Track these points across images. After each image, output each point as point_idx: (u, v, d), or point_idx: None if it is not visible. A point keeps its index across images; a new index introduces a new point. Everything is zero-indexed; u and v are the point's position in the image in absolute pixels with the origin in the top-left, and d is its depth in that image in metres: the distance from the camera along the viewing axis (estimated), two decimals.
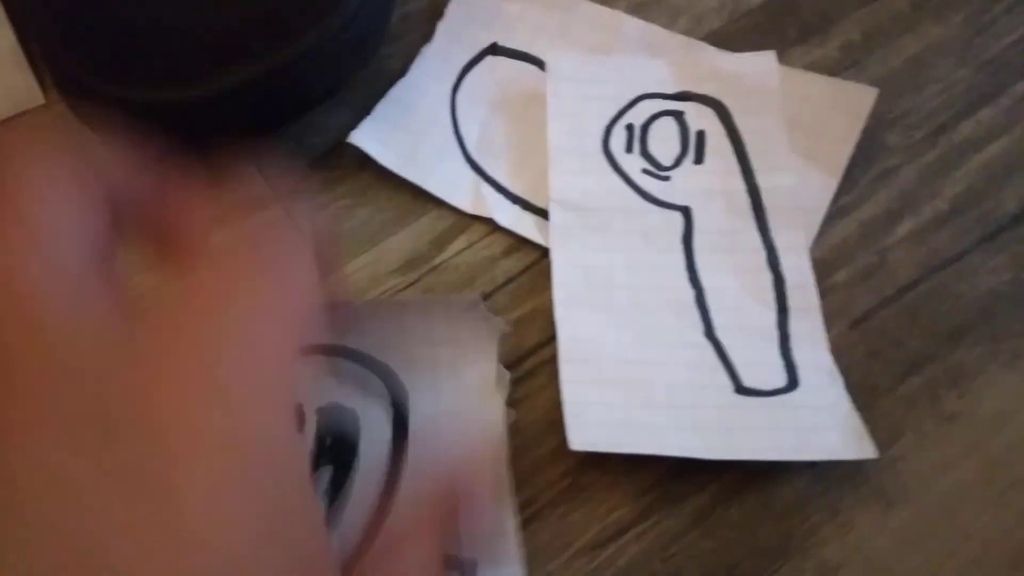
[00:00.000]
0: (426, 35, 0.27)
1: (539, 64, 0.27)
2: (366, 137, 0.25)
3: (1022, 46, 0.27)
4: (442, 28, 0.27)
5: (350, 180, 0.25)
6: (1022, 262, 0.24)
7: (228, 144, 0.17)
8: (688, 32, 0.27)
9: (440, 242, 0.24)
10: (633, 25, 0.27)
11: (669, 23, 0.27)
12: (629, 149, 0.25)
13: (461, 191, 0.25)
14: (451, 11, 0.28)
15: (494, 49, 0.27)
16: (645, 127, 0.26)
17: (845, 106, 0.26)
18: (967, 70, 0.27)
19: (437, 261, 0.24)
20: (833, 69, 0.27)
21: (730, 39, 0.27)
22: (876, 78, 0.27)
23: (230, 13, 0.23)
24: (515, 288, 0.24)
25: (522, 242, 0.24)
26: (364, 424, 0.22)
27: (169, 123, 0.20)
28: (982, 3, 0.28)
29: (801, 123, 0.25)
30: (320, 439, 0.21)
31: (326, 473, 0.21)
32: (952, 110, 0.26)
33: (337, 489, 0.21)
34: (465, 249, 0.24)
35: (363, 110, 0.26)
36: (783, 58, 0.27)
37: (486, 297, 0.24)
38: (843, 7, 0.28)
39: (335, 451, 0.21)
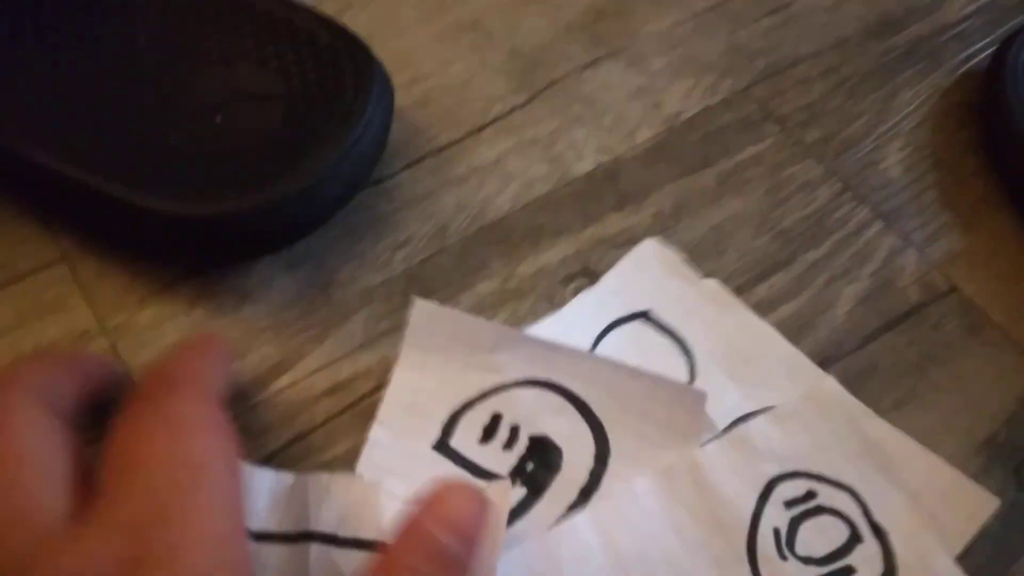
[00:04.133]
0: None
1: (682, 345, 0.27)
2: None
3: (812, 220, 0.31)
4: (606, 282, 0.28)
5: (181, 316, 0.26)
6: None
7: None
8: (516, 196, 0.30)
9: (264, 380, 0.25)
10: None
11: (502, 187, 0.30)
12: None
13: None
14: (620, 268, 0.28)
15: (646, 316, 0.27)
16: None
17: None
18: (763, 239, 0.30)
19: (258, 399, 0.25)
20: (646, 234, 0.30)
21: (556, 204, 0.30)
22: (683, 243, 0.30)
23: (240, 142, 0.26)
24: (332, 427, 0.25)
25: (343, 384, 0.26)
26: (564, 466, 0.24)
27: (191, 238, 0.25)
28: (778, 181, 0.32)
29: None
30: (522, 461, 0.24)
31: (519, 492, 0.24)
32: (749, 274, 0.30)
33: (521, 510, 0.23)
34: (288, 387, 0.25)
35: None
36: (602, 221, 0.30)
37: (304, 436, 0.25)
38: (657, 181, 0.31)
39: (532, 477, 0.24)
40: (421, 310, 0.25)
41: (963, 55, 0.38)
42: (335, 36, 0.28)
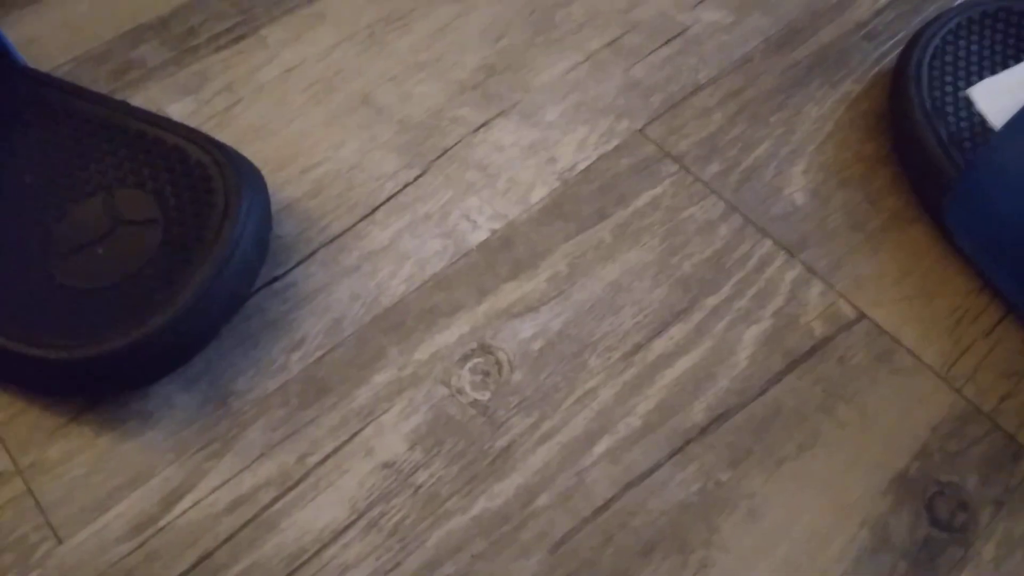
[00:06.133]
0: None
1: None
2: None
3: (712, 262, 0.31)
4: None
5: (88, 449, 0.27)
6: (708, 471, 0.27)
7: None
8: (411, 277, 0.30)
9: (167, 503, 0.26)
10: None
11: (396, 269, 0.31)
12: None
13: None
14: None
15: None
16: None
17: None
18: (661, 290, 0.30)
19: (163, 523, 0.26)
20: (540, 300, 0.30)
21: (451, 281, 0.30)
22: (578, 304, 0.30)
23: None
24: (236, 543, 0.26)
25: (245, 497, 0.26)
26: None
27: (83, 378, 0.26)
28: (677, 224, 0.32)
29: None
30: None
31: None
32: (646, 329, 0.29)
33: None
34: (191, 508, 0.26)
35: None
36: (496, 293, 0.30)
37: (208, 555, 0.25)
38: (553, 241, 0.31)
39: None
40: None
41: (874, 55, 0.37)
42: (204, 150, 0.28)
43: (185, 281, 0.26)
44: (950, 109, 0.33)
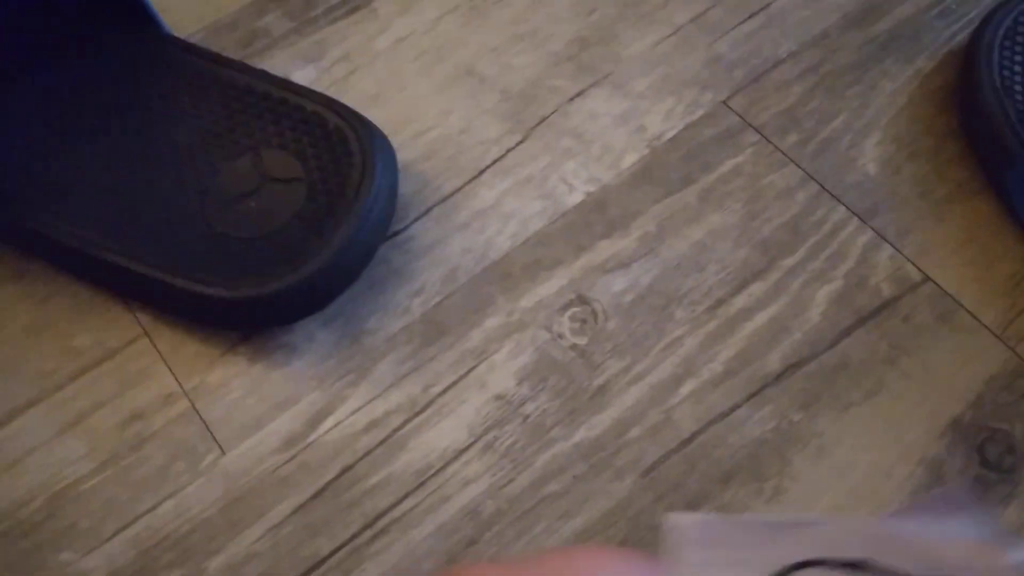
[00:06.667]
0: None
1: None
2: None
3: (789, 226, 0.34)
4: None
5: (243, 376, 0.31)
6: (783, 412, 0.30)
7: None
8: (515, 235, 0.34)
9: (313, 422, 0.30)
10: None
11: (501, 227, 0.34)
12: None
13: None
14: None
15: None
16: None
17: None
18: (742, 251, 0.33)
19: (311, 439, 0.30)
20: (632, 258, 0.33)
21: (551, 239, 0.34)
22: (667, 261, 0.33)
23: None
24: (372, 458, 0.30)
25: (378, 420, 0.31)
26: None
27: (244, 315, 0.30)
28: (757, 191, 0.34)
29: None
30: None
31: None
32: (729, 286, 0.33)
33: None
34: (333, 428, 0.30)
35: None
36: (593, 250, 0.33)
37: (350, 468, 0.30)
38: (643, 204, 0.34)
39: None
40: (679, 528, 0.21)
41: (947, 33, 0.39)
42: (340, 116, 0.32)
43: (331, 233, 0.30)
44: (1019, 88, 0.35)
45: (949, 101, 0.37)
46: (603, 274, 0.33)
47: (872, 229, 0.34)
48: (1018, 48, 0.36)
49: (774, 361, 0.31)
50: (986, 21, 0.36)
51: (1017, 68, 0.35)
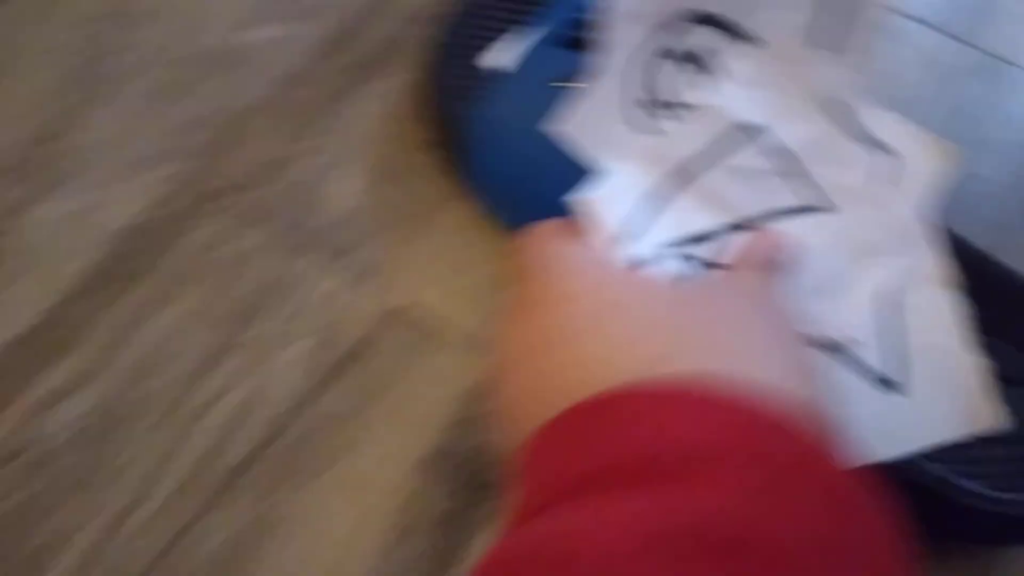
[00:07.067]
0: None
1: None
2: None
3: (257, 292, 0.31)
4: None
5: None
6: (252, 504, 0.27)
7: None
8: None
9: None
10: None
11: None
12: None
13: None
14: None
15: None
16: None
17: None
18: (207, 333, 0.30)
19: None
20: (88, 380, 0.29)
21: None
22: (120, 373, 0.29)
23: None
24: None
25: None
26: None
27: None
28: (224, 264, 0.31)
29: None
30: None
31: None
32: (191, 381, 0.29)
33: None
34: None
35: None
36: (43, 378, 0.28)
37: None
38: (93, 316, 0.31)
39: None
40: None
41: (423, 40, 0.37)
42: None
43: None
44: (469, 81, 0.33)
45: (425, 111, 0.35)
46: (47, 410, 0.29)
47: (347, 269, 0.31)
48: (466, 41, 0.35)
49: (241, 450, 0.28)
50: (439, 19, 0.35)
51: (463, 61, 0.34)
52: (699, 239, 0.27)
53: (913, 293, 0.27)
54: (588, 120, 0.26)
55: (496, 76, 0.31)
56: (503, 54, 0.33)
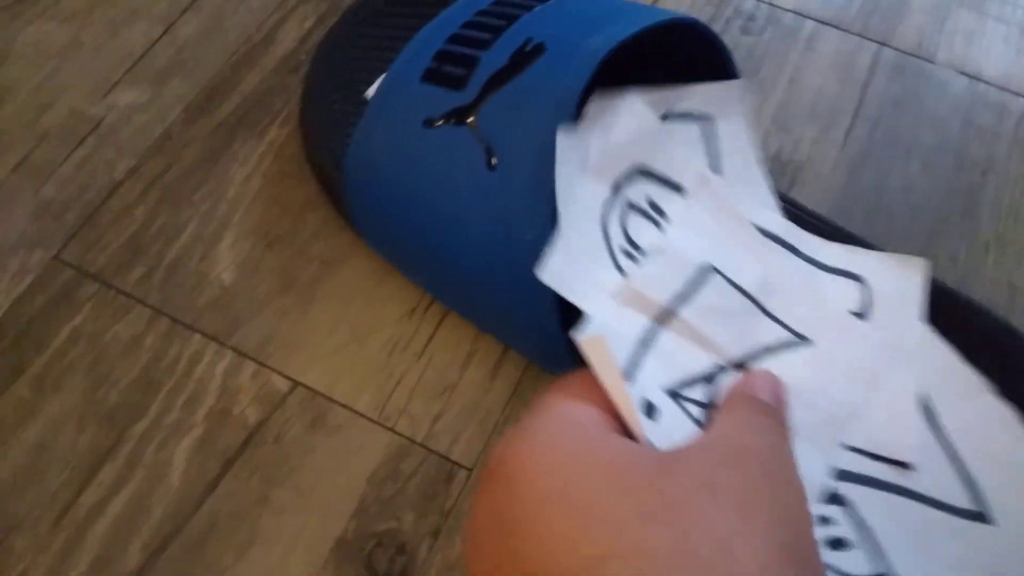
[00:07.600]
0: None
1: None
2: None
3: (140, 382, 0.29)
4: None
5: None
6: None
7: None
8: None
9: None
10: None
11: None
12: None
13: None
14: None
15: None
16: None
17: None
18: (87, 434, 0.28)
19: None
20: None
21: None
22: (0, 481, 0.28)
23: None
24: None
25: None
26: None
27: None
28: (100, 352, 0.30)
29: None
30: None
31: None
32: (75, 485, 0.27)
33: None
34: None
35: None
36: None
37: None
38: None
39: None
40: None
41: (301, 89, 0.36)
42: None
43: None
44: (338, 124, 0.32)
45: (307, 166, 0.34)
46: None
47: (232, 349, 0.30)
48: (333, 80, 0.33)
49: (135, 554, 0.27)
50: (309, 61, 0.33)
51: (336, 103, 0.32)
52: (693, 381, 0.25)
53: (946, 408, 0.25)
54: (567, 269, 0.25)
55: (365, 116, 0.30)
56: (371, 93, 0.31)
